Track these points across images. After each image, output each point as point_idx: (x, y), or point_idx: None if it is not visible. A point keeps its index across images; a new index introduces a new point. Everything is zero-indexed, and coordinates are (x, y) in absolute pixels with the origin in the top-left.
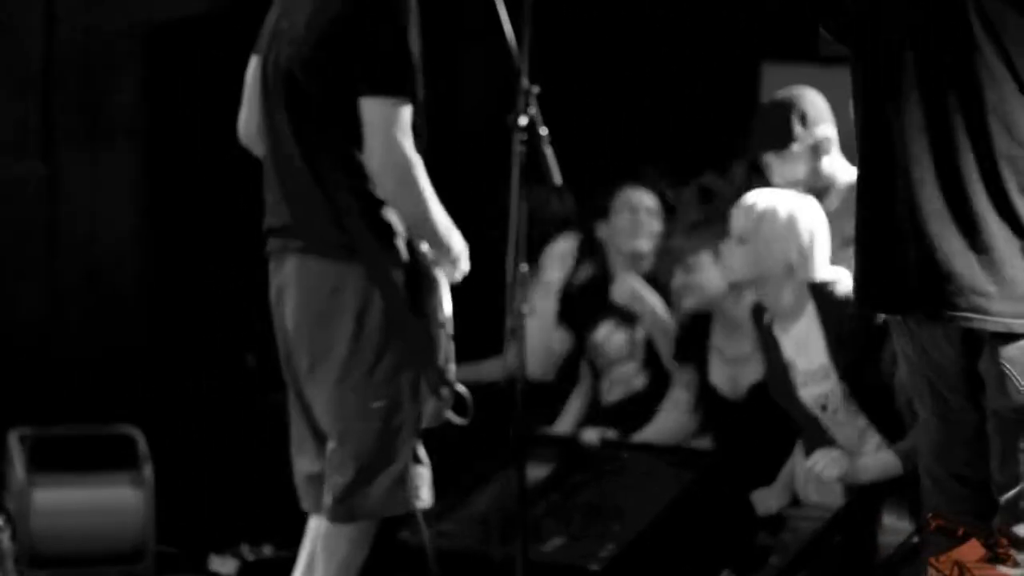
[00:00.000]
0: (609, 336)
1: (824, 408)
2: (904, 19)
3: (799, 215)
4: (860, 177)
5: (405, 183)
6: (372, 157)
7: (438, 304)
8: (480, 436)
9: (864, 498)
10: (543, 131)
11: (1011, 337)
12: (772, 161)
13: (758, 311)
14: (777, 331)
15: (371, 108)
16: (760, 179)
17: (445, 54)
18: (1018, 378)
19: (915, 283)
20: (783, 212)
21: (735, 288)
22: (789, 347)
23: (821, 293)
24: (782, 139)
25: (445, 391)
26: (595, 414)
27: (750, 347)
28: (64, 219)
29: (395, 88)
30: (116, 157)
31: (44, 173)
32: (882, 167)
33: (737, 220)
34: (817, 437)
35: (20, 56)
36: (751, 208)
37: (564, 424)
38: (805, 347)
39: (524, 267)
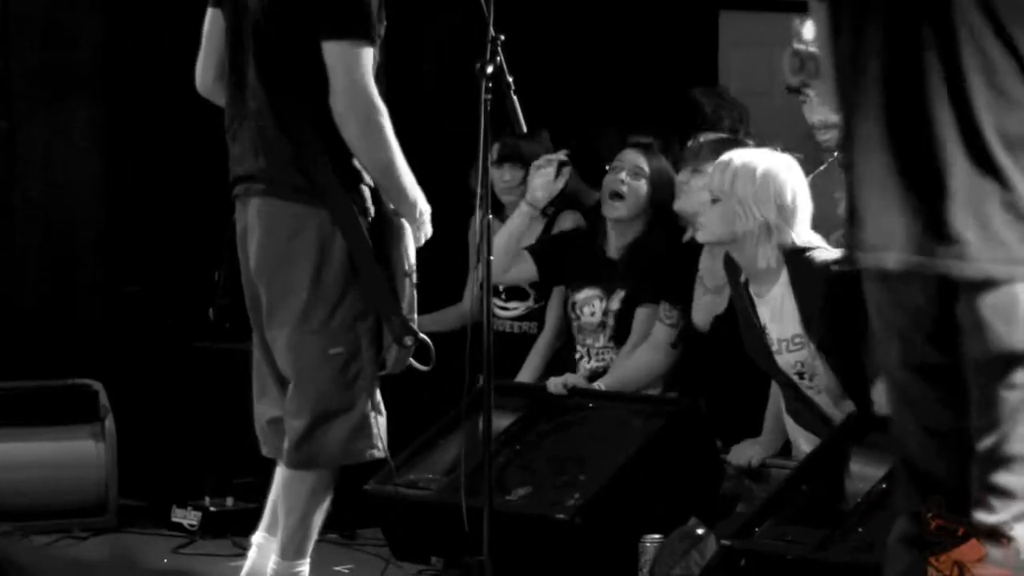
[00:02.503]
0: (587, 301)
1: (801, 376)
2: None
3: (778, 174)
4: (840, 128)
5: (369, 126)
6: (336, 100)
7: (403, 252)
8: (444, 385)
9: (832, 445)
10: (509, 79)
11: (989, 284)
12: (812, 98)
13: (732, 265)
14: (753, 292)
15: (332, 51)
16: None
17: (406, 5)
18: (995, 325)
19: (892, 230)
20: (760, 170)
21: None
22: (764, 312)
23: (796, 260)
24: None
25: (408, 340)
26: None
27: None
28: (22, 174)
29: (355, 31)
30: (75, 111)
31: (3, 128)
32: (859, 112)
33: (713, 177)
34: (795, 398)
35: None
36: (727, 165)
37: (527, 373)
38: (780, 314)
39: (491, 217)
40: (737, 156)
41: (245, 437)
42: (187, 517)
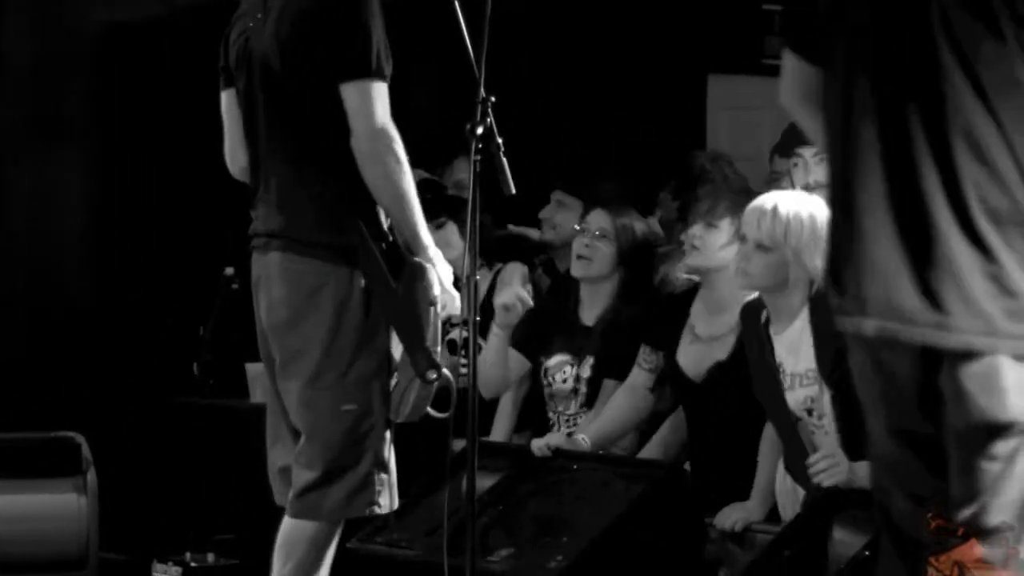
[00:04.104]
0: (559, 367)
1: (810, 412)
2: (866, 29)
3: (821, 219)
4: (827, 190)
5: (393, 163)
6: (359, 140)
7: (427, 286)
8: (428, 445)
9: (815, 511)
10: (499, 141)
11: (972, 355)
12: (807, 159)
13: (751, 311)
14: (771, 331)
15: (350, 93)
16: None
17: (397, 64)
18: (977, 395)
19: (875, 297)
20: (807, 218)
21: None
22: (781, 348)
23: (820, 297)
24: None
25: (432, 374)
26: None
27: (726, 329)
28: (7, 225)
29: (368, 70)
30: (65, 160)
31: None
32: (845, 181)
33: (759, 225)
34: (799, 444)
35: None
36: (774, 213)
37: (499, 429)
38: (797, 349)
39: (477, 277)
40: (781, 203)
41: (227, 493)
42: (168, 572)
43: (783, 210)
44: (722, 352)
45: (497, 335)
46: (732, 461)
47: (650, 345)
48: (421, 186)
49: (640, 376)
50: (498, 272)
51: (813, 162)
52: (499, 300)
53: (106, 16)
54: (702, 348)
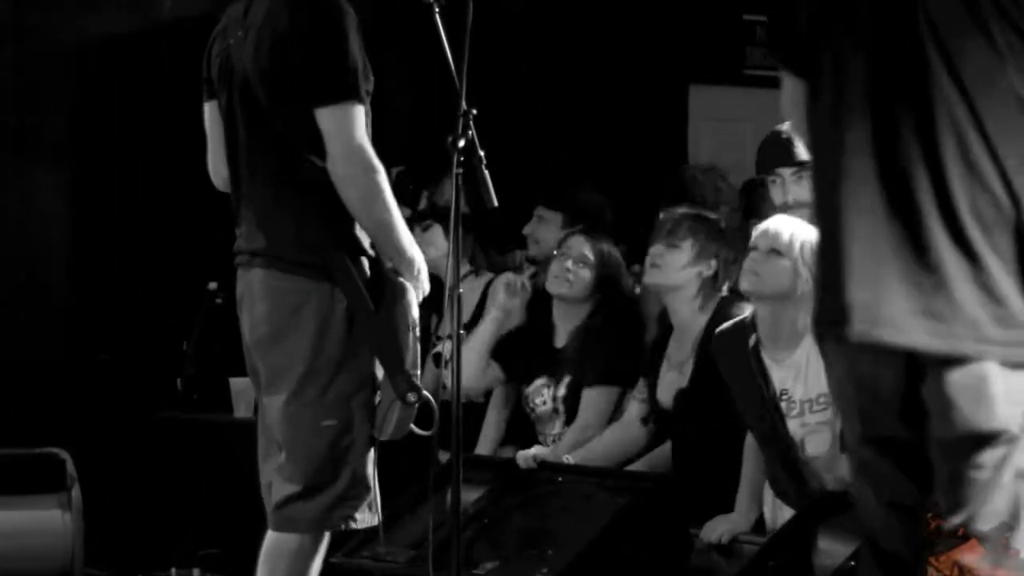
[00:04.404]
0: (538, 391)
1: None
2: (855, 38)
3: None
4: (814, 198)
5: (369, 188)
6: (335, 164)
7: (407, 307)
8: (412, 459)
9: (800, 521)
10: (481, 154)
11: (956, 361)
12: (785, 178)
13: (731, 336)
14: (767, 358)
15: (325, 117)
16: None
17: (377, 74)
18: (964, 406)
19: (861, 304)
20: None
21: (755, 299)
22: (784, 375)
23: None
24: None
25: (412, 396)
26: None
27: (686, 354)
28: None
29: (344, 93)
30: (48, 174)
31: None
32: (833, 187)
33: (775, 236)
34: (795, 472)
35: None
36: (789, 229)
37: (485, 444)
38: (804, 374)
39: (461, 290)
40: (795, 224)
41: (213, 508)
42: None
43: (796, 228)
44: (684, 379)
45: (494, 319)
46: (711, 487)
47: (644, 377)
48: (399, 179)
49: (634, 408)
50: (489, 283)
51: (791, 181)
52: (504, 279)
53: (90, 29)
54: (673, 375)
